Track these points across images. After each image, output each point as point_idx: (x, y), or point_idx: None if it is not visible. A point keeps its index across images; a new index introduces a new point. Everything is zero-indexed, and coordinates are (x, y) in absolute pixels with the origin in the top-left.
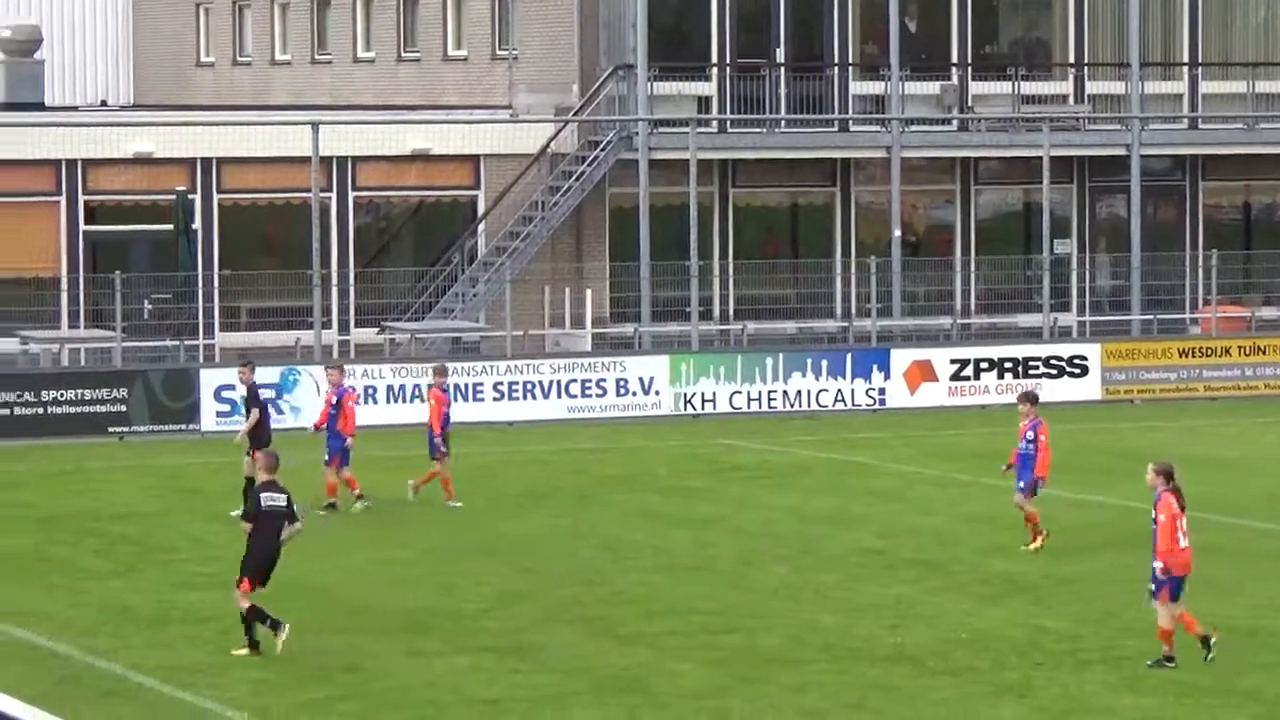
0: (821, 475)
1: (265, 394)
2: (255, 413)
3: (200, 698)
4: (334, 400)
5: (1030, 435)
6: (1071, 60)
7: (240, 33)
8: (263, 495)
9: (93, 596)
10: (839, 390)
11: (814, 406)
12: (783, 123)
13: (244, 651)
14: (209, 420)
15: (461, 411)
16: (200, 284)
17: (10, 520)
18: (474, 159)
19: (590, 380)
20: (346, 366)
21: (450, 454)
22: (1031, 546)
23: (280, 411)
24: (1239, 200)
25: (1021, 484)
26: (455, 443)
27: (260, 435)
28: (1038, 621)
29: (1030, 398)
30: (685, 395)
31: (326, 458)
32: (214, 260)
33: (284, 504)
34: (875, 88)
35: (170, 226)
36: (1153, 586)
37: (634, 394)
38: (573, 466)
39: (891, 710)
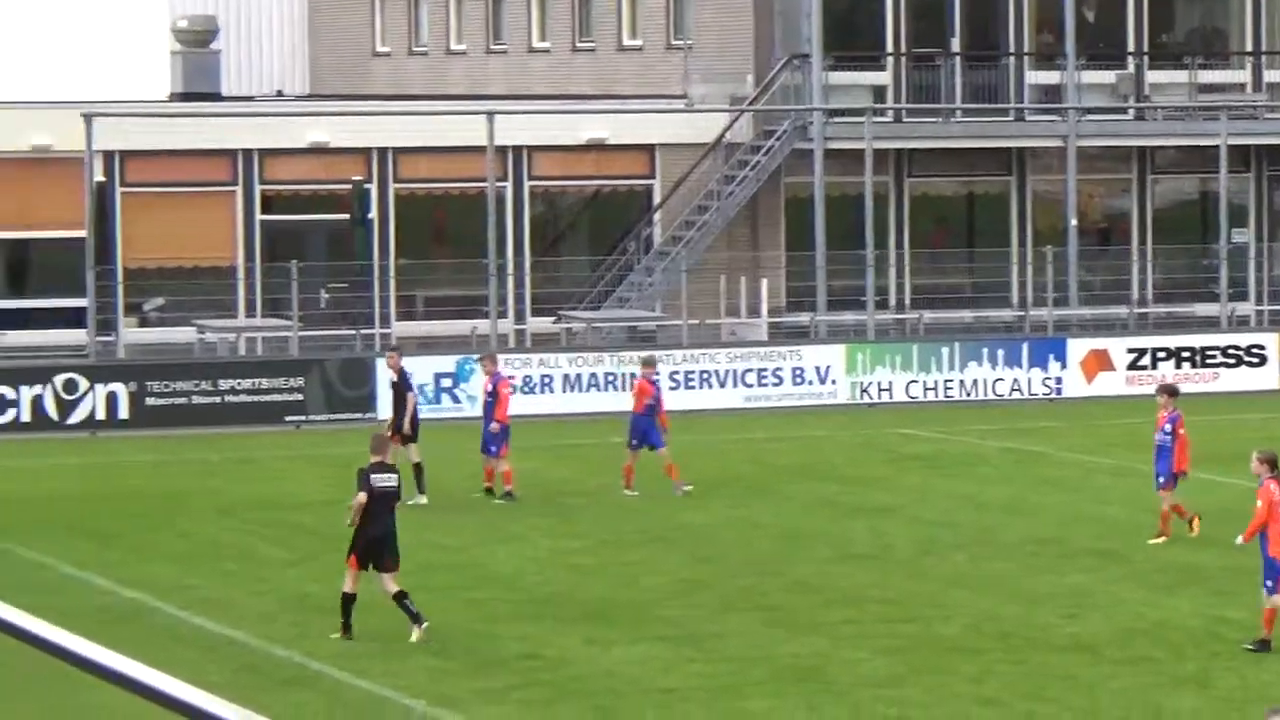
0: (998, 464)
1: (444, 383)
2: (411, 398)
3: (378, 685)
4: (490, 389)
5: (1168, 427)
6: (1249, 48)
7: (416, 22)
8: (373, 476)
9: (270, 585)
10: (1015, 379)
11: (990, 396)
12: (958, 112)
13: (336, 635)
14: (385, 409)
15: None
16: (376, 273)
17: (188, 509)
18: (649, 148)
19: (766, 369)
20: (523, 356)
21: (646, 445)
22: (1157, 540)
23: (456, 400)
24: None
25: (1161, 477)
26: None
27: (405, 419)
28: (1217, 611)
29: (1169, 390)
30: (861, 384)
31: (495, 447)
32: (390, 250)
33: (394, 485)
34: (1051, 77)
35: (346, 216)
36: (1269, 582)
37: (810, 383)
38: (749, 456)
39: (1069, 699)
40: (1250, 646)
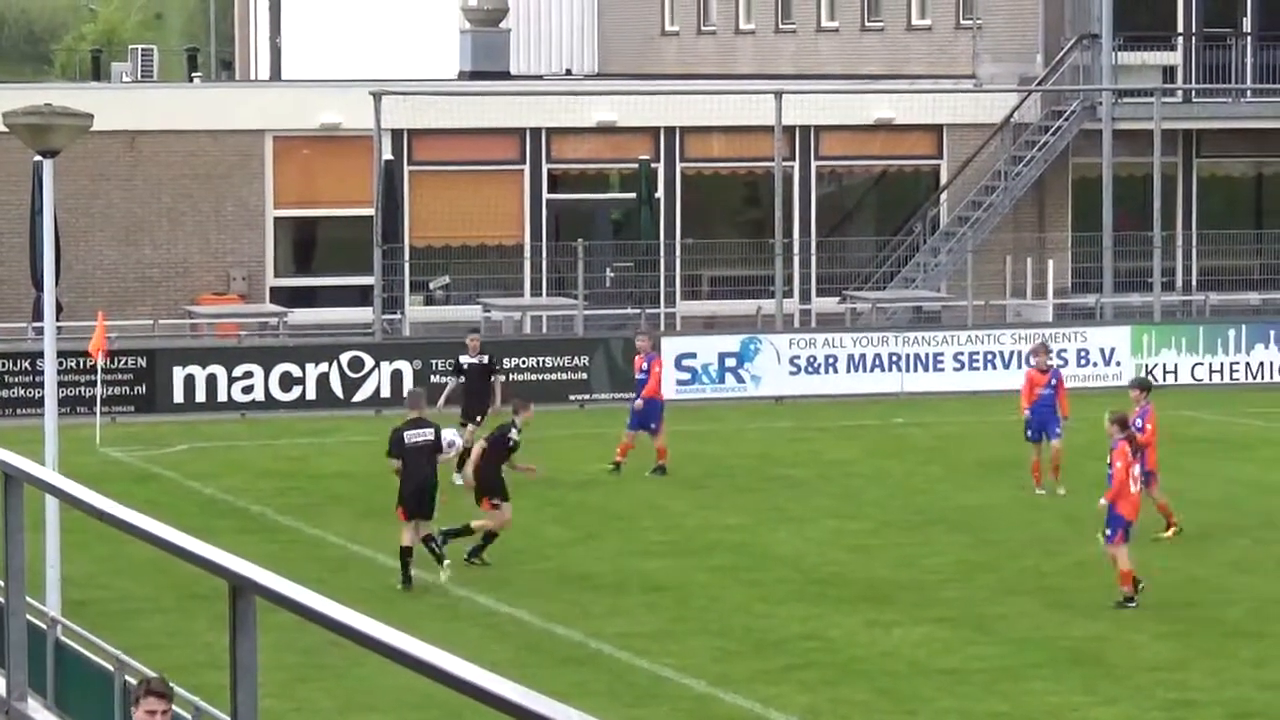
0: None
1: (728, 363)
2: (496, 380)
3: (659, 665)
4: (643, 367)
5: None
6: None
7: (705, 2)
8: (406, 433)
9: (553, 564)
10: None
11: (1277, 379)
12: (1249, 92)
13: (398, 587)
14: (669, 389)
15: (922, 381)
16: (662, 253)
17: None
18: (937, 129)
19: (1051, 350)
20: (808, 335)
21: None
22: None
23: (740, 380)
24: None
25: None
26: (913, 412)
27: (476, 405)
28: None
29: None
30: (1147, 366)
31: (654, 424)
32: (675, 229)
33: (430, 438)
34: None
35: (633, 195)
36: (1108, 531)
37: (1095, 364)
38: None
39: None
40: (1118, 603)
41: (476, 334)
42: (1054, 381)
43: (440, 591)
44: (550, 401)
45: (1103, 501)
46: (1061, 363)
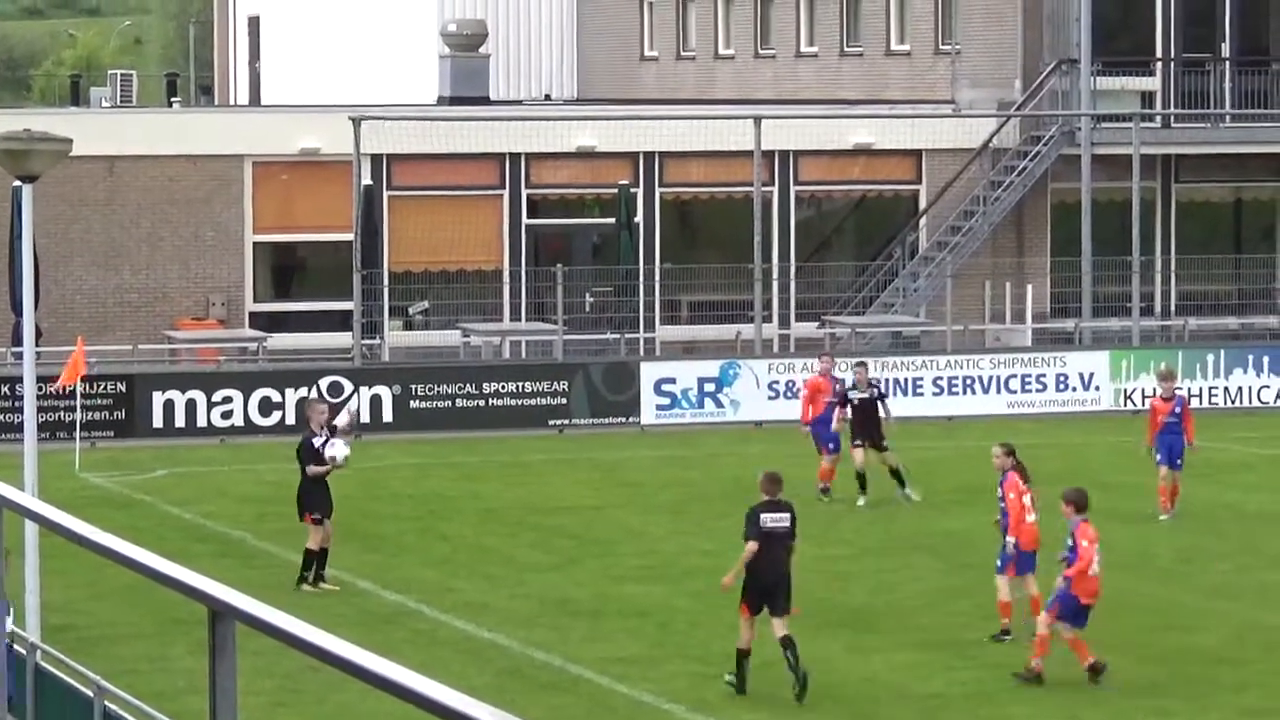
0: (1263, 473)
1: (707, 388)
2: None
3: (638, 690)
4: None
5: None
6: None
7: (684, 27)
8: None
9: (532, 589)
10: None
11: (1255, 403)
12: (1227, 117)
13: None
14: (649, 414)
15: (901, 406)
16: (641, 277)
17: (451, 511)
18: (916, 154)
19: (1030, 375)
20: (786, 361)
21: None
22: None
23: (719, 405)
24: None
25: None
26: (894, 437)
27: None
28: None
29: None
30: (1125, 391)
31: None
32: (655, 254)
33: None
34: None
35: (612, 220)
36: (999, 562)
37: (1074, 389)
38: None
39: None
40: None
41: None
42: (1179, 409)
43: (421, 617)
44: (529, 426)
45: (1010, 541)
46: (1040, 388)
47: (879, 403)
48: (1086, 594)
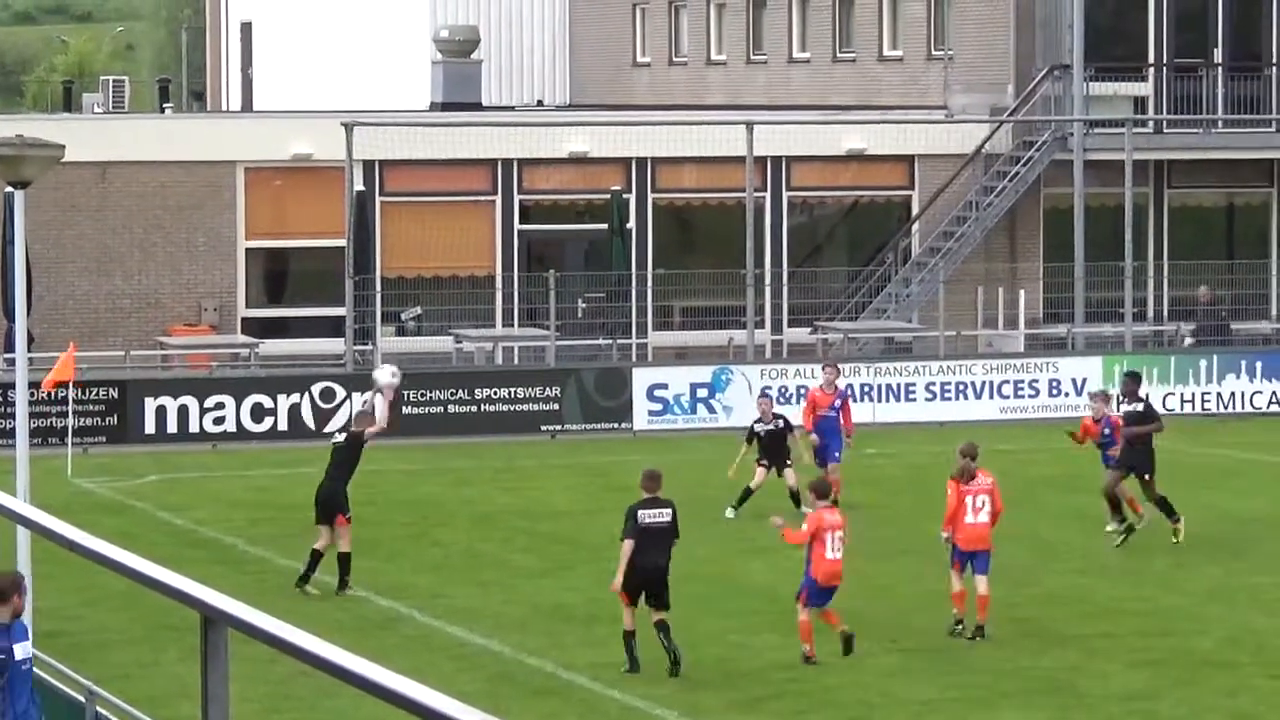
0: (1255, 477)
1: (700, 394)
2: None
3: (631, 696)
4: (834, 403)
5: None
6: None
7: (676, 33)
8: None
9: (524, 594)
10: (1274, 392)
11: (1248, 409)
12: (1219, 123)
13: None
14: (641, 419)
15: (893, 412)
16: (634, 283)
17: (444, 517)
18: (909, 159)
19: (1023, 381)
20: (779, 366)
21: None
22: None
23: (712, 411)
24: None
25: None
26: (884, 443)
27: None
28: None
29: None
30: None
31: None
32: (648, 259)
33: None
34: None
35: (604, 226)
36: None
37: (1067, 395)
38: (1004, 467)
39: None
40: (971, 632)
41: (765, 398)
42: (1108, 430)
43: (413, 623)
44: (522, 432)
45: (944, 535)
46: (1033, 393)
47: (787, 434)
48: (825, 577)
